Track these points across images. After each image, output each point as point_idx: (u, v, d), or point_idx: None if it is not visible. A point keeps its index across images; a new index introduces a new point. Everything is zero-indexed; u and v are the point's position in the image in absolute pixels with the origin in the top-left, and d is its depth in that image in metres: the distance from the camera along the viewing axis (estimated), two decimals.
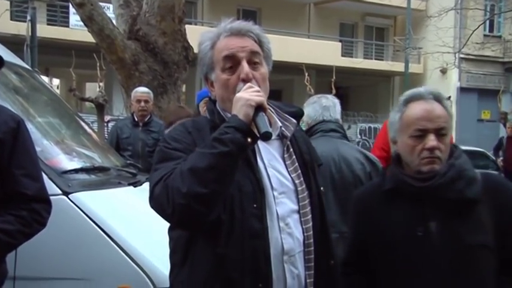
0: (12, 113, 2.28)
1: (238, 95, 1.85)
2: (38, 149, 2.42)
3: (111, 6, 7.95)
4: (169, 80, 7.12)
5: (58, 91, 22.60)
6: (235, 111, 1.82)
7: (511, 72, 27.11)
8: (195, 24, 21.80)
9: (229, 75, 1.95)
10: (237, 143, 1.77)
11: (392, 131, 2.11)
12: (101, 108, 13.76)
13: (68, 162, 3.14)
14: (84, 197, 2.79)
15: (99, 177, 3.22)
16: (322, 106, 3.46)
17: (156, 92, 6.75)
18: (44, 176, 2.39)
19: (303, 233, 1.96)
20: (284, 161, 2.00)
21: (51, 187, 2.62)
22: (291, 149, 2.03)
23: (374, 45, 27.81)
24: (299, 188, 1.99)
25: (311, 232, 1.98)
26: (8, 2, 17.19)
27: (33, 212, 2.18)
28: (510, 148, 11.79)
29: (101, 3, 7.19)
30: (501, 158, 12.42)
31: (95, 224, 2.71)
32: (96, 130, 10.80)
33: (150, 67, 7.01)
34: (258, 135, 1.81)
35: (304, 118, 3.36)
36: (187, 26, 7.49)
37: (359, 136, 22.33)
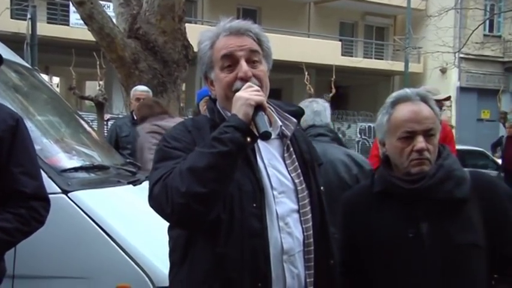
0: (11, 111, 2.28)
1: (237, 94, 1.85)
2: (37, 147, 2.42)
3: (111, 4, 7.95)
4: (169, 78, 7.11)
5: (58, 89, 22.60)
6: (235, 111, 1.82)
7: (511, 72, 27.12)
8: (195, 23, 21.80)
9: (228, 74, 1.95)
10: (236, 142, 1.77)
11: (381, 133, 2.11)
12: (100, 106, 13.76)
13: (67, 161, 3.14)
14: (84, 196, 2.79)
15: (99, 176, 3.22)
16: (314, 111, 3.50)
17: (156, 91, 6.75)
18: (44, 175, 2.39)
19: (303, 232, 1.96)
20: (284, 161, 2.00)
21: (50, 185, 2.61)
22: (291, 149, 2.03)
23: (374, 45, 27.82)
24: (299, 188, 1.98)
25: (311, 232, 1.97)
26: (9, 0, 17.19)
27: (32, 210, 2.18)
28: (509, 148, 11.81)
29: (101, 2, 7.19)
30: (497, 154, 12.46)
31: (94, 223, 2.70)
32: (95, 128, 10.80)
33: (150, 66, 7.00)
34: (258, 134, 1.80)
35: None
36: (187, 25, 7.48)
37: (359, 135, 22.33)
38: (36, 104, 3.68)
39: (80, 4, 6.80)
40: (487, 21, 22.53)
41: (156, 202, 1.83)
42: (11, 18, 17.34)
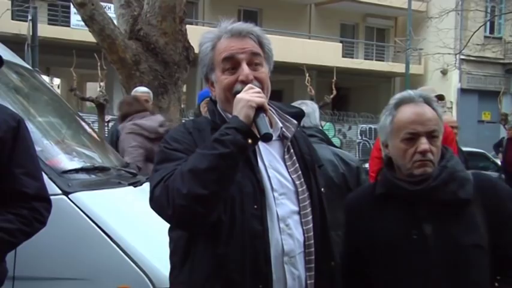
0: (12, 112, 2.28)
1: (239, 96, 1.85)
2: (38, 148, 2.42)
3: (112, 6, 7.94)
4: (170, 80, 7.10)
5: (59, 91, 22.59)
6: (236, 112, 1.82)
7: None
8: (196, 24, 21.81)
9: (229, 77, 1.95)
10: (237, 144, 1.77)
11: (383, 135, 2.11)
12: (101, 108, 13.78)
13: (68, 162, 3.14)
14: (84, 197, 2.79)
15: (99, 177, 3.21)
16: None
17: (157, 92, 6.75)
18: (44, 176, 2.39)
19: (304, 234, 1.96)
20: (285, 162, 2.00)
21: (51, 187, 2.61)
22: (292, 150, 2.03)
23: (375, 46, 27.82)
24: (299, 189, 1.98)
25: (311, 233, 1.97)
26: (9, 2, 17.20)
27: (34, 210, 2.18)
28: (510, 150, 11.81)
29: (102, 3, 7.18)
30: (500, 154, 12.46)
31: (94, 224, 2.70)
32: (96, 130, 10.80)
33: (151, 67, 7.00)
34: (259, 136, 1.80)
35: None
36: (188, 26, 7.49)
37: (360, 137, 22.30)
38: (37, 106, 3.68)
39: (81, 5, 6.80)
40: (488, 23, 22.55)
41: (157, 204, 1.83)
42: (12, 19, 17.34)
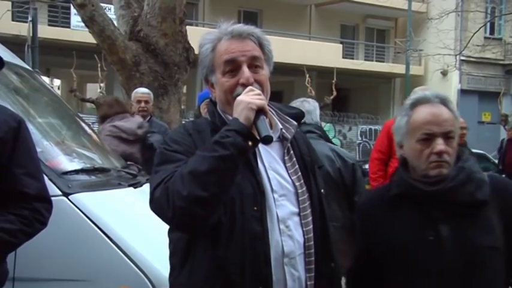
0: (12, 113, 2.28)
1: (239, 98, 1.85)
2: (38, 149, 2.41)
3: (112, 7, 7.95)
4: (170, 81, 7.11)
5: (59, 92, 22.59)
6: (236, 115, 1.82)
7: None
8: (196, 25, 21.79)
9: (229, 79, 1.95)
10: (237, 146, 1.77)
11: (399, 135, 2.10)
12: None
13: (68, 163, 3.14)
14: (84, 198, 2.79)
15: (99, 178, 3.21)
16: (305, 110, 3.65)
17: (157, 93, 6.75)
18: (44, 177, 2.39)
19: (304, 235, 1.96)
20: (284, 163, 2.00)
21: (51, 188, 2.60)
22: (292, 151, 2.03)
23: (375, 47, 27.79)
24: (299, 191, 1.98)
25: (311, 234, 1.97)
26: (10, 3, 17.17)
27: (35, 211, 2.18)
28: (510, 151, 11.80)
29: (102, 4, 7.18)
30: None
31: (94, 225, 2.70)
32: (96, 131, 10.78)
33: (151, 68, 7.00)
34: (259, 138, 1.80)
35: None
36: (188, 27, 7.49)
37: (360, 138, 22.29)
38: (37, 107, 3.68)
39: (81, 6, 6.80)
40: (488, 24, 22.52)
41: (157, 205, 1.83)
42: (12, 20, 17.33)
